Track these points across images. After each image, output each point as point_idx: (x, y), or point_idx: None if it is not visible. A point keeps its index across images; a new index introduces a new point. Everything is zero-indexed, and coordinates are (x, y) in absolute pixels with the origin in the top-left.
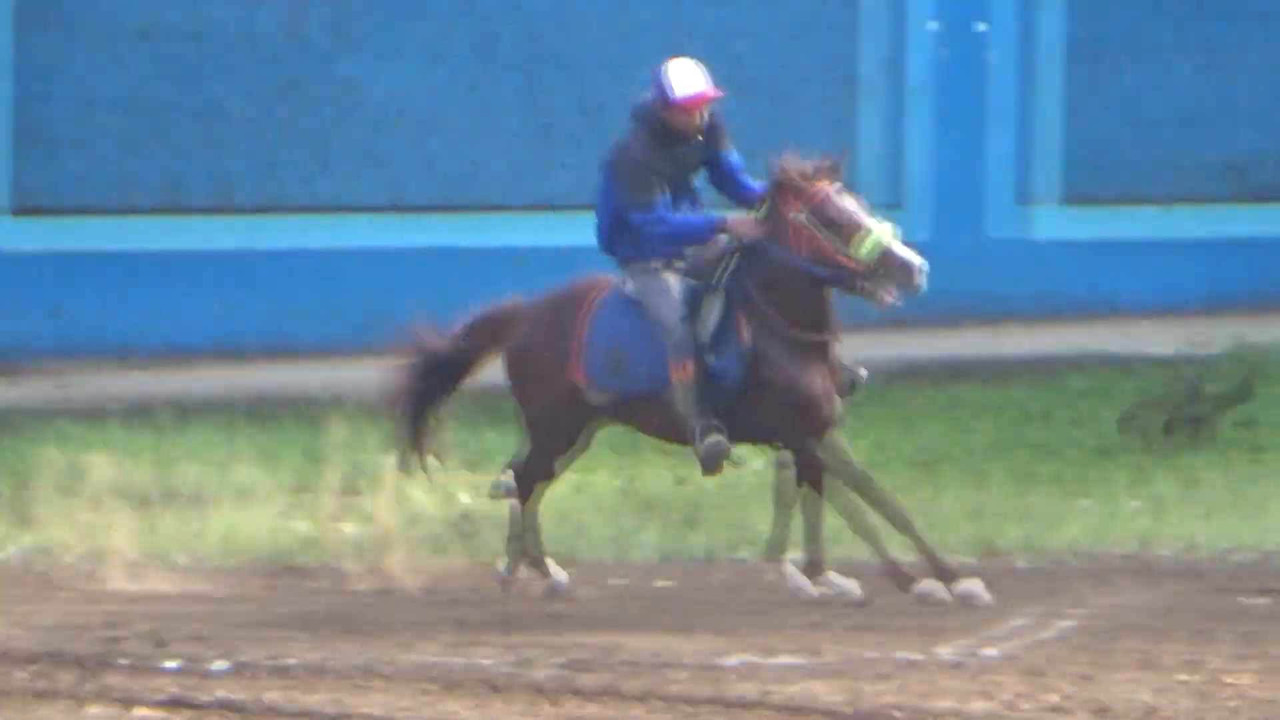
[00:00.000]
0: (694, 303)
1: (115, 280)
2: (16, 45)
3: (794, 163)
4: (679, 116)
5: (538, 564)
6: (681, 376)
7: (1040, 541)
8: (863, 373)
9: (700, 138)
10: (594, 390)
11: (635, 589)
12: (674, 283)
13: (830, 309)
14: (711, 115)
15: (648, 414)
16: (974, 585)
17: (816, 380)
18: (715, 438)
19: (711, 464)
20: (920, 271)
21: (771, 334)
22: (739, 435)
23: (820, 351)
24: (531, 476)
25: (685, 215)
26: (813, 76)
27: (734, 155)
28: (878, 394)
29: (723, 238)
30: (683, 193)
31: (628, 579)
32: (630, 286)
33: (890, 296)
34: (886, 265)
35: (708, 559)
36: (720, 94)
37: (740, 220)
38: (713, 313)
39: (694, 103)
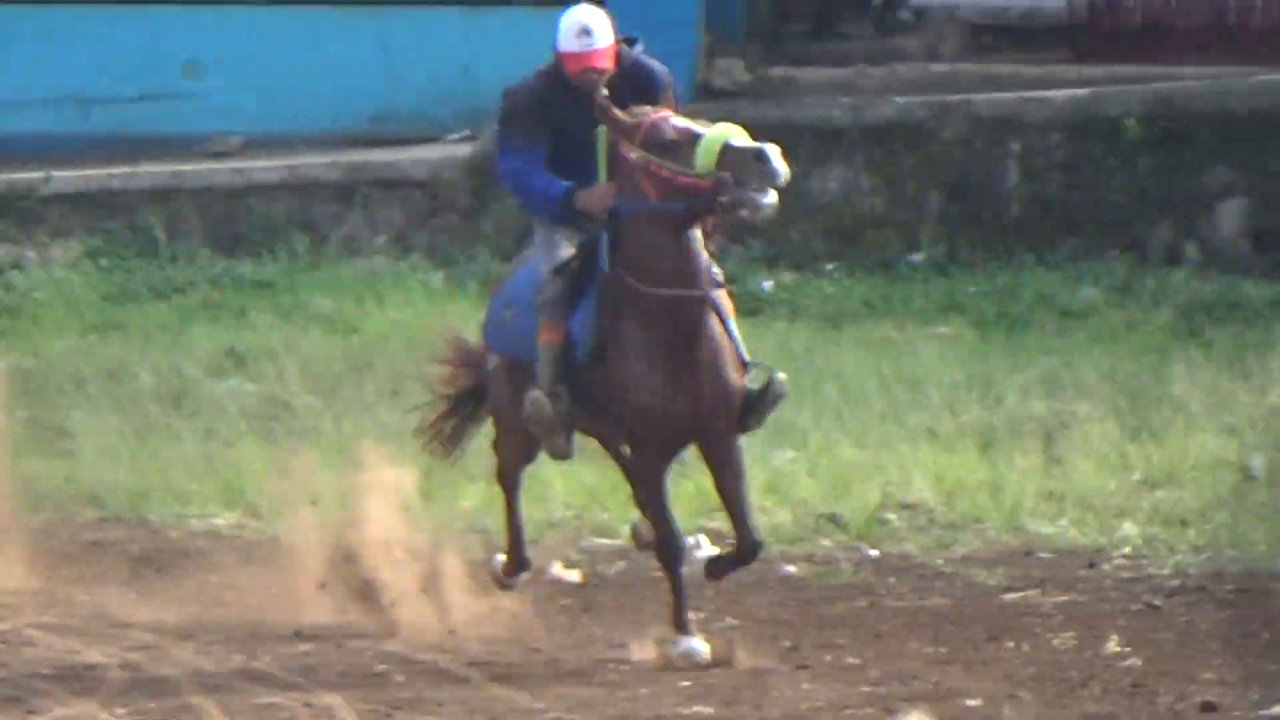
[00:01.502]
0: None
1: None
2: None
3: (637, 109)
4: (567, 68)
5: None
6: (546, 337)
7: None
8: (781, 377)
9: (601, 94)
10: (489, 353)
11: None
12: (565, 237)
13: (696, 258)
14: (641, 70)
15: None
16: (695, 642)
17: (664, 367)
18: (537, 393)
19: (532, 423)
20: (774, 155)
21: (628, 304)
22: (590, 422)
23: (688, 316)
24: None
25: (542, 179)
26: None
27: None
28: None
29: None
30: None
31: None
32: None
33: (759, 201)
34: (733, 166)
35: None
36: (610, 55)
37: (589, 194)
38: (583, 274)
39: (571, 64)
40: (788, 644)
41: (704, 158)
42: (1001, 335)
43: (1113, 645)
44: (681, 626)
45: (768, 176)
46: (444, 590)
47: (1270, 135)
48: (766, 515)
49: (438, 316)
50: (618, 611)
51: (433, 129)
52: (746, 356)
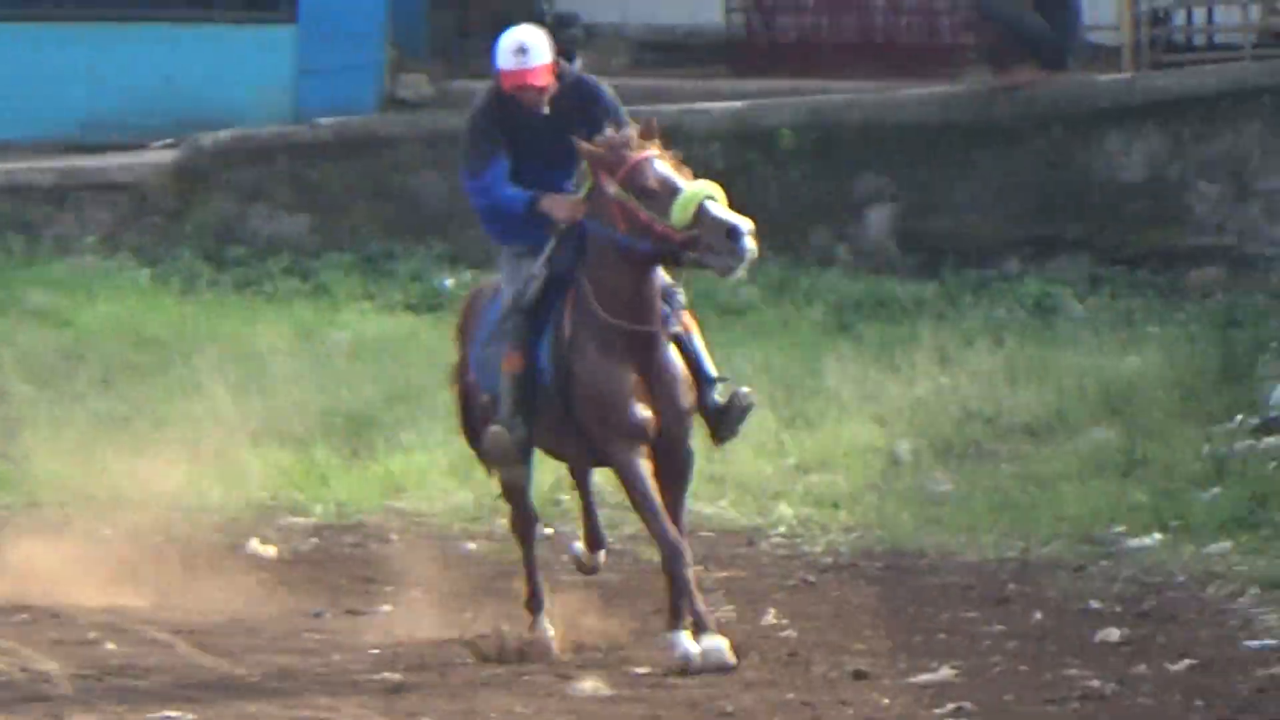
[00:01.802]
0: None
1: None
2: None
3: (611, 137)
4: (505, 85)
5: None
6: (507, 368)
7: None
8: (745, 390)
9: (549, 110)
10: (480, 391)
11: None
12: (526, 268)
13: (652, 295)
14: (585, 86)
15: None
16: (718, 641)
17: (626, 379)
18: (496, 427)
19: (492, 457)
20: (744, 232)
21: (589, 325)
22: (551, 442)
23: (643, 346)
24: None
25: (506, 189)
26: None
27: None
28: None
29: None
30: (560, 168)
31: None
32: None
33: (721, 264)
34: (705, 230)
35: None
36: (545, 73)
37: (555, 199)
38: (543, 301)
39: (506, 81)
40: (469, 615)
41: (679, 213)
42: None
43: (771, 618)
44: (700, 625)
45: (735, 253)
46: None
47: (915, 145)
48: (447, 496)
49: (145, 310)
50: (311, 584)
51: (139, 136)
52: (713, 373)
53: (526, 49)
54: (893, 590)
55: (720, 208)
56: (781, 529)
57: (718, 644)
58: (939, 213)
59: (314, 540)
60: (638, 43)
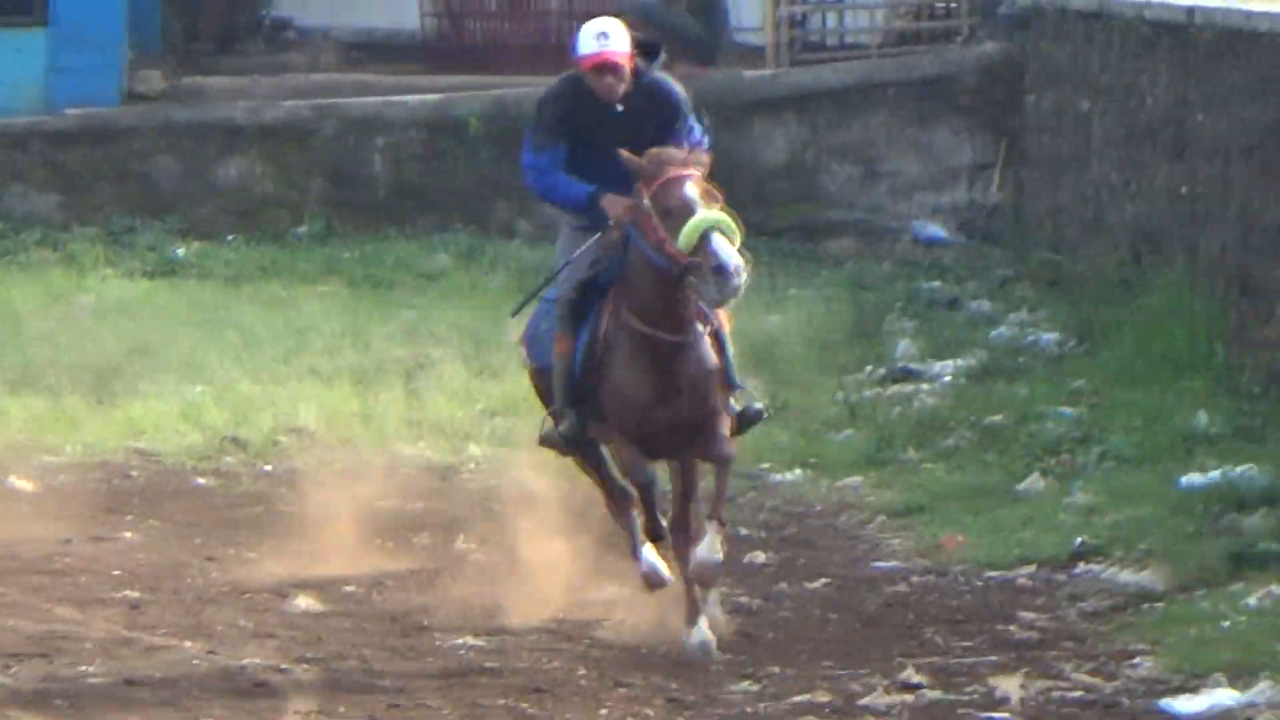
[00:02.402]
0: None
1: None
2: None
3: (664, 151)
4: (586, 75)
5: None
6: (558, 349)
7: None
8: (758, 406)
9: (622, 106)
10: (527, 361)
11: None
12: (583, 245)
13: (682, 308)
14: (660, 88)
15: None
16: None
17: (650, 391)
18: (547, 423)
19: (544, 443)
20: (733, 272)
21: (623, 328)
22: (600, 432)
23: (673, 354)
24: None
25: (563, 177)
26: None
27: (690, 135)
28: None
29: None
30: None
31: None
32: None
33: (708, 298)
34: (701, 256)
35: None
36: (624, 59)
37: (614, 198)
38: (594, 290)
39: (587, 62)
40: (199, 541)
41: (684, 238)
42: (371, 293)
43: (462, 543)
44: (635, 552)
45: (720, 288)
46: None
47: None
48: (180, 437)
49: None
50: (62, 515)
51: None
52: (736, 380)
53: (607, 34)
54: (570, 519)
55: (721, 242)
56: (472, 466)
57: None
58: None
59: (64, 477)
60: (346, 44)
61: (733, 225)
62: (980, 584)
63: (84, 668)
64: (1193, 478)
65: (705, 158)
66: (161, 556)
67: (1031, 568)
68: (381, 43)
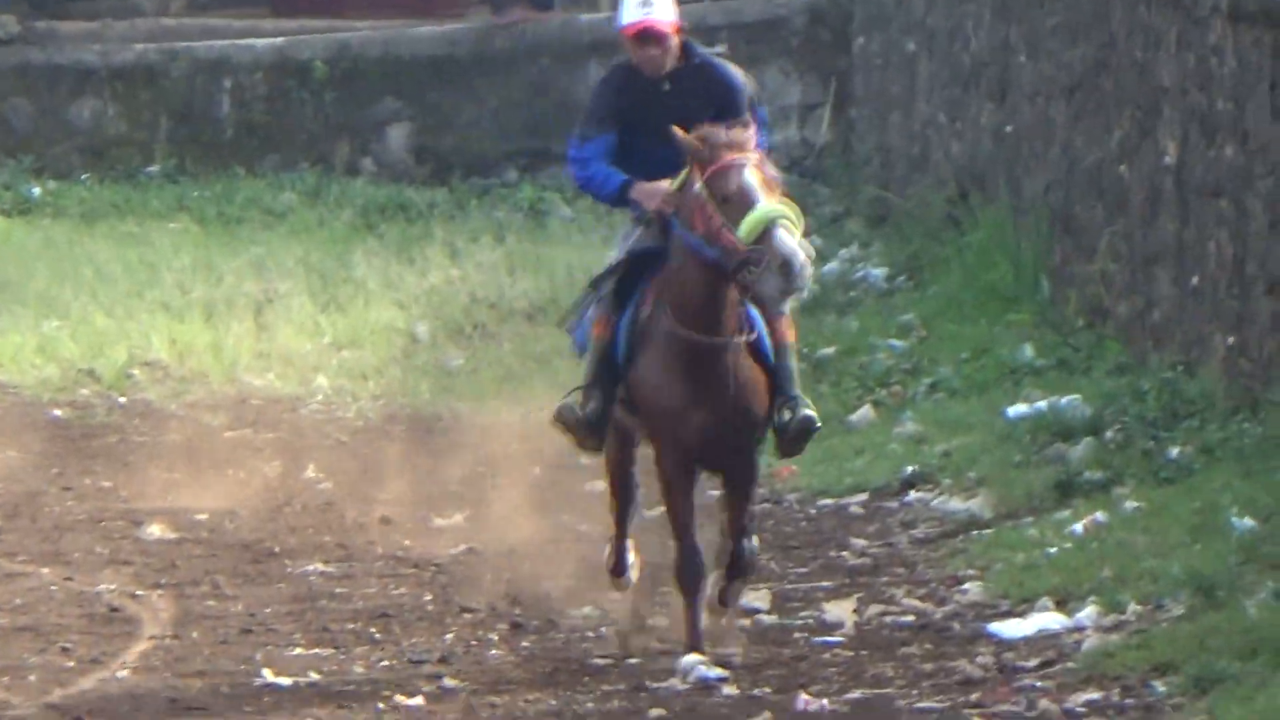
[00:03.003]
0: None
1: None
2: None
3: (714, 132)
4: (628, 44)
5: None
6: (597, 331)
7: None
8: (808, 412)
9: (670, 85)
10: (574, 348)
11: None
12: (637, 234)
13: (723, 307)
14: (713, 69)
15: None
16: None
17: (683, 391)
18: (567, 399)
19: (561, 426)
20: (800, 267)
21: (660, 325)
22: (630, 422)
23: (710, 357)
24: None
25: (601, 168)
26: None
27: (742, 125)
28: None
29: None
30: (676, 150)
31: None
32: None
33: (771, 293)
34: (767, 249)
35: None
36: (668, 27)
37: (646, 188)
38: (639, 276)
39: (629, 30)
40: (55, 471)
41: (747, 229)
42: (220, 230)
43: (310, 472)
44: (692, 644)
45: (787, 283)
46: None
47: (428, 73)
48: (36, 370)
49: None
50: None
51: None
52: (795, 390)
53: (651, 1)
54: (414, 449)
55: (788, 235)
56: (319, 397)
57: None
58: (448, 130)
59: None
60: None
61: (795, 216)
62: (814, 512)
63: None
64: (1018, 408)
65: (747, 129)
66: (19, 486)
67: (863, 496)
68: None
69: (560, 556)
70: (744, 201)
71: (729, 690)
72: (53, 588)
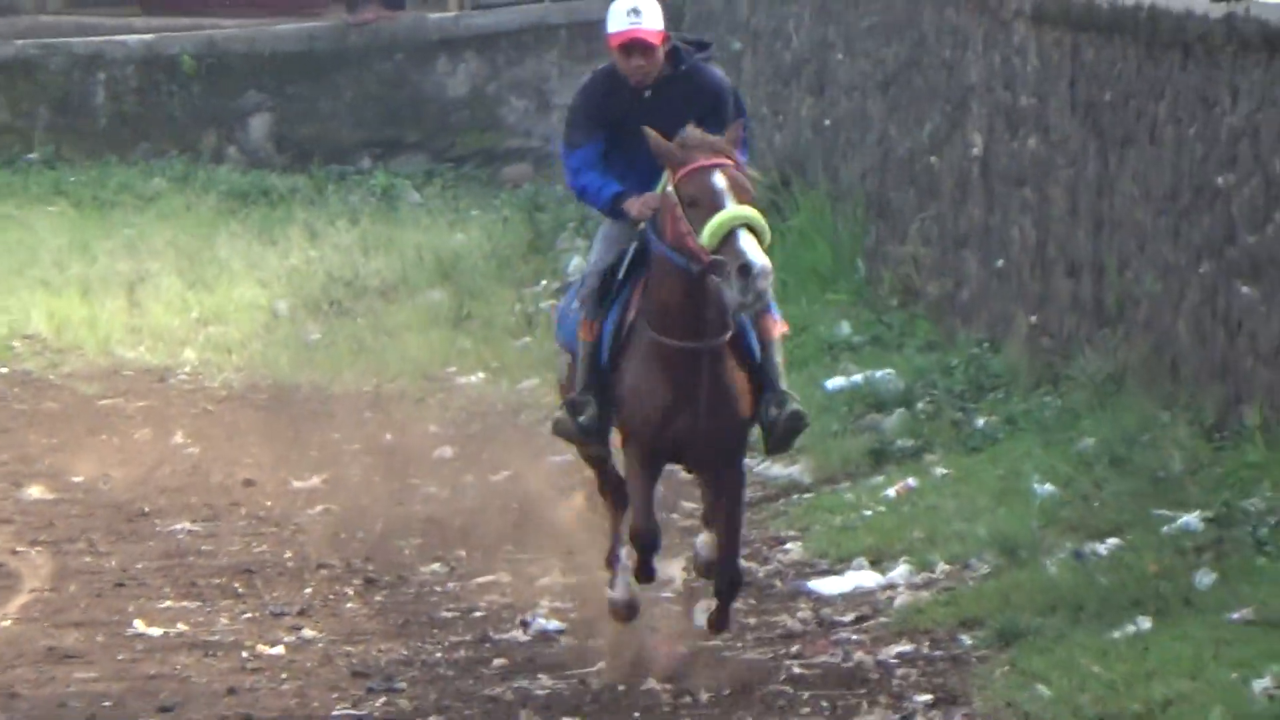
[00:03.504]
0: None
1: None
2: None
3: (691, 135)
4: (614, 53)
5: None
6: (583, 335)
7: None
8: (796, 407)
9: (654, 92)
10: (559, 351)
11: None
12: (622, 234)
13: (702, 312)
14: (701, 75)
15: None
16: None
17: (661, 398)
18: (560, 412)
19: (557, 431)
20: (758, 275)
21: (641, 331)
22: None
23: (691, 361)
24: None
25: (595, 178)
26: None
27: (733, 132)
28: None
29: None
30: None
31: None
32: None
33: (732, 299)
34: (726, 255)
35: None
36: (655, 38)
37: (635, 200)
38: (624, 278)
39: (616, 39)
40: None
41: (709, 235)
42: (95, 213)
43: (179, 438)
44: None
45: (745, 290)
46: None
47: (289, 68)
48: None
49: None
50: None
51: None
52: (783, 385)
53: (639, 10)
54: (275, 416)
55: (749, 240)
56: (187, 369)
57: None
58: (307, 121)
59: None
60: None
61: (763, 223)
62: None
63: None
64: (836, 381)
65: (737, 139)
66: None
67: None
68: None
69: (410, 516)
70: (710, 206)
71: (567, 640)
72: None
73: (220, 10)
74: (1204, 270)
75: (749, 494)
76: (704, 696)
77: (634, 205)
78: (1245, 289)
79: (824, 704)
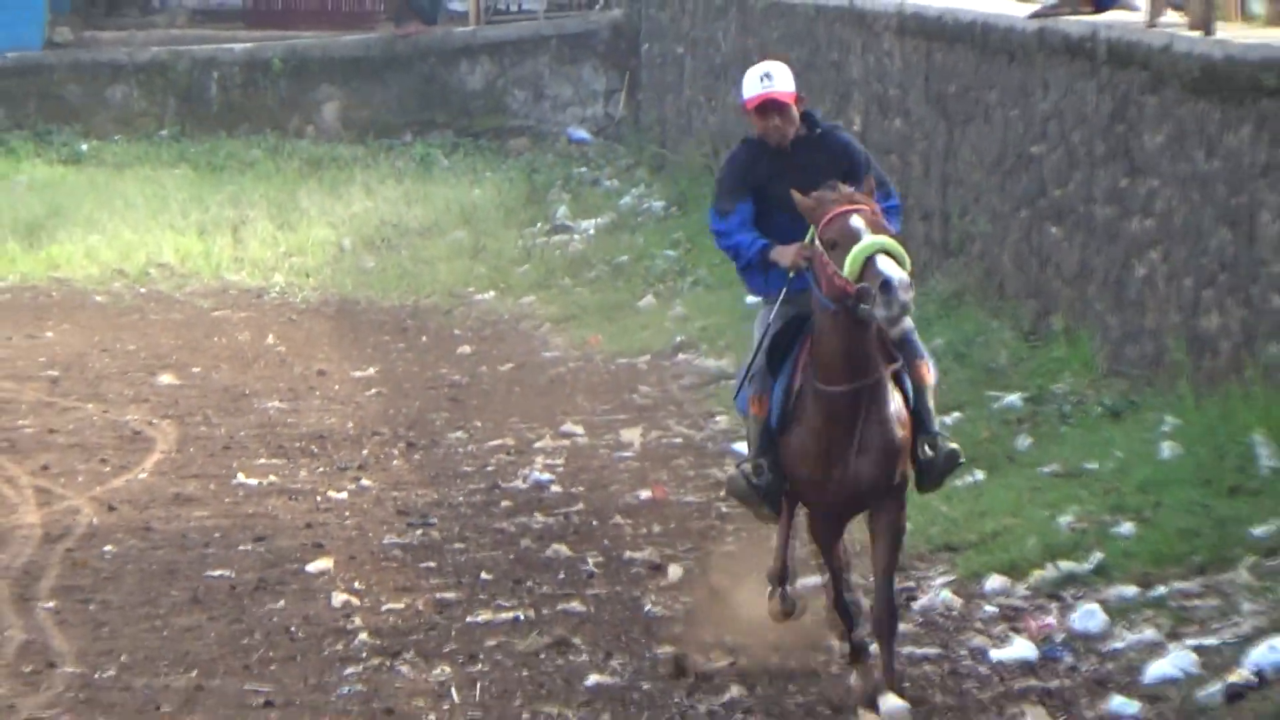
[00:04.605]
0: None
1: None
2: None
3: (826, 191)
4: (751, 115)
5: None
6: (754, 410)
7: None
8: (952, 446)
9: (794, 151)
10: (736, 409)
11: None
12: (778, 313)
13: (863, 354)
14: (834, 139)
15: None
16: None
17: (828, 448)
18: (733, 471)
19: (732, 498)
20: (899, 287)
21: (808, 385)
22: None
23: (854, 403)
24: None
25: (745, 236)
26: None
27: (868, 184)
28: None
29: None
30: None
31: None
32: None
33: (881, 317)
34: (869, 279)
35: None
36: (788, 98)
37: (783, 248)
38: (787, 343)
39: (752, 103)
40: (97, 338)
41: (850, 264)
42: (209, 175)
43: (270, 339)
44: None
45: (889, 304)
46: None
47: (352, 68)
48: (84, 269)
49: None
50: (5, 320)
51: None
52: (934, 427)
53: (771, 75)
54: (341, 323)
55: (887, 261)
56: (276, 289)
57: (897, 706)
58: (365, 106)
59: (5, 296)
60: (191, 10)
61: (900, 249)
62: (614, 367)
63: (20, 422)
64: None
65: (872, 190)
66: (71, 348)
67: (647, 357)
68: (214, 10)
69: (439, 396)
70: (850, 242)
71: (556, 489)
72: (94, 418)
73: (302, 25)
74: (1022, 215)
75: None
76: (656, 528)
77: (785, 255)
78: (1053, 229)
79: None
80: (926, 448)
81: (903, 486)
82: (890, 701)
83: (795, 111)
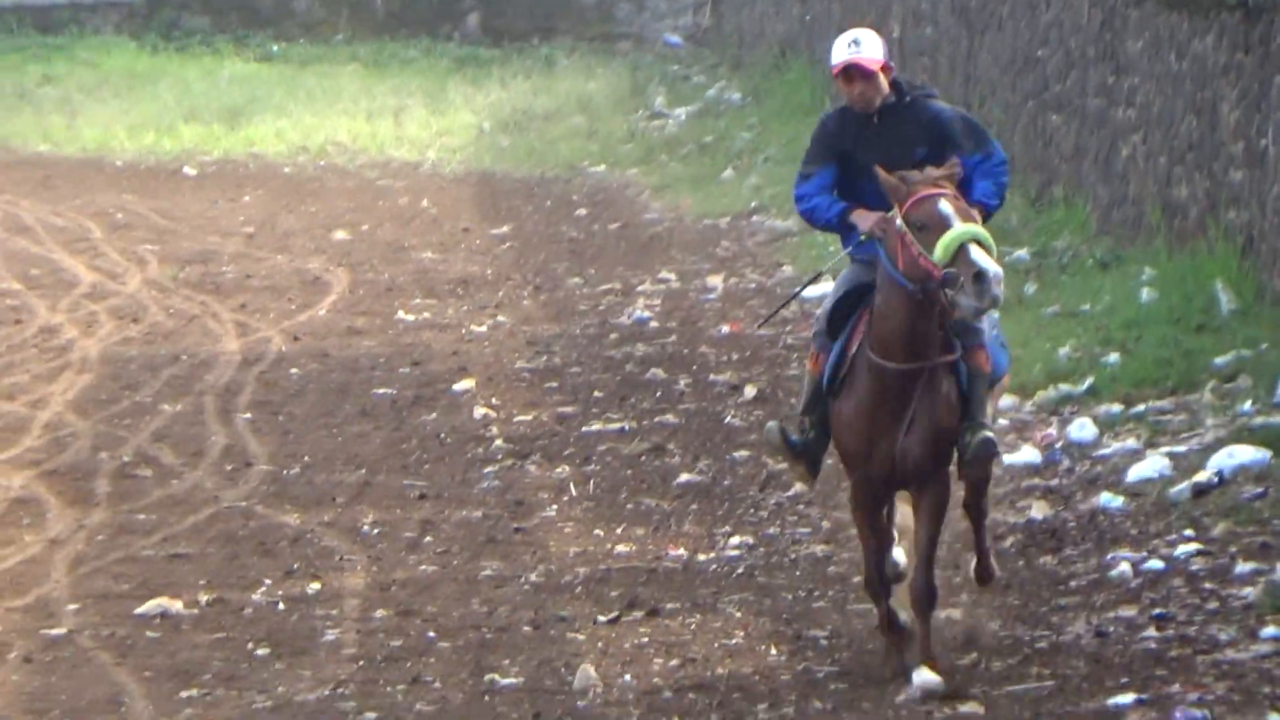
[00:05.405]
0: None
1: None
2: None
3: (912, 172)
4: (839, 87)
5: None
6: (809, 366)
7: None
8: (988, 435)
9: (880, 120)
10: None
11: None
12: (853, 273)
13: (925, 337)
14: (923, 106)
15: None
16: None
17: (878, 423)
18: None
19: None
20: (992, 279)
21: (863, 356)
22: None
23: (910, 382)
24: None
25: (824, 199)
26: None
27: (970, 157)
28: None
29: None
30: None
31: None
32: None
33: (969, 306)
34: (960, 267)
35: None
36: (874, 65)
37: (864, 213)
38: (850, 311)
39: (837, 69)
40: (284, 200)
41: (941, 251)
42: (375, 71)
43: (425, 203)
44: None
45: (981, 296)
46: None
47: None
48: (275, 146)
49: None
50: (211, 186)
51: None
52: (981, 416)
53: (859, 41)
54: (481, 191)
55: (980, 252)
56: (429, 162)
57: (931, 680)
58: (501, 16)
59: (212, 168)
60: None
61: (990, 239)
62: (701, 226)
63: (224, 268)
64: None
65: (958, 173)
66: (263, 209)
67: (728, 218)
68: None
69: (561, 248)
70: (939, 227)
71: (654, 324)
72: (283, 266)
73: None
74: (1029, 106)
75: None
76: (735, 356)
77: (865, 220)
78: (1054, 117)
79: None
80: (967, 434)
81: (947, 465)
82: (924, 675)
83: (882, 80)
